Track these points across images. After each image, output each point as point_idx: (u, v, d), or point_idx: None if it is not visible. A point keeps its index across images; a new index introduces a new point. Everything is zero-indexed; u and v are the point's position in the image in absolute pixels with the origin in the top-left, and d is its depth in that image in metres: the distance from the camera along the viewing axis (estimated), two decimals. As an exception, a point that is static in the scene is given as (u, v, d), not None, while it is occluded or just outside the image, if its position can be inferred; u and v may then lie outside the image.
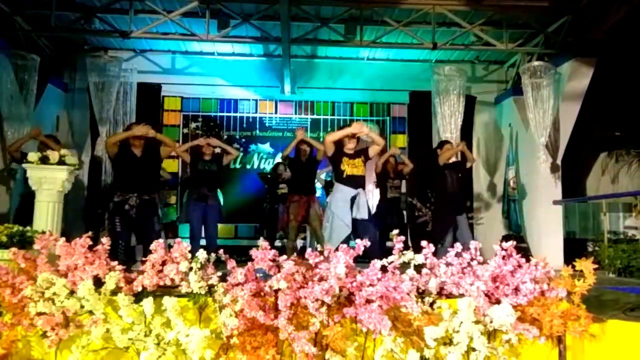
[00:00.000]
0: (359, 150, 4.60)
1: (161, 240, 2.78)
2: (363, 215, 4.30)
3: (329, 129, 8.24)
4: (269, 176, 7.28)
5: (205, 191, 5.59)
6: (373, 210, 4.56)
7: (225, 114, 8.18)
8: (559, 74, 6.85)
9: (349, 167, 4.45)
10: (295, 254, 2.90)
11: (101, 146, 6.99)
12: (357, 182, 4.43)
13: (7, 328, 2.54)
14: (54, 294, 2.54)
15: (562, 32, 6.72)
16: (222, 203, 5.92)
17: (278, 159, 8.03)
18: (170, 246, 2.75)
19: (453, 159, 5.75)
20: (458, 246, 2.90)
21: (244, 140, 8.18)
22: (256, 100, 8.23)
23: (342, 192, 4.40)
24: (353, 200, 4.34)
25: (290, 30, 6.42)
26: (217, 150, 5.91)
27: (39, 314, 2.49)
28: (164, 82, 7.98)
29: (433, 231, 5.88)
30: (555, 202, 7.03)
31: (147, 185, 4.79)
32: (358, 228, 4.32)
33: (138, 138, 4.69)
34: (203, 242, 5.63)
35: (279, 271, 2.65)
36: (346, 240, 4.11)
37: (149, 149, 4.84)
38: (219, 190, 5.92)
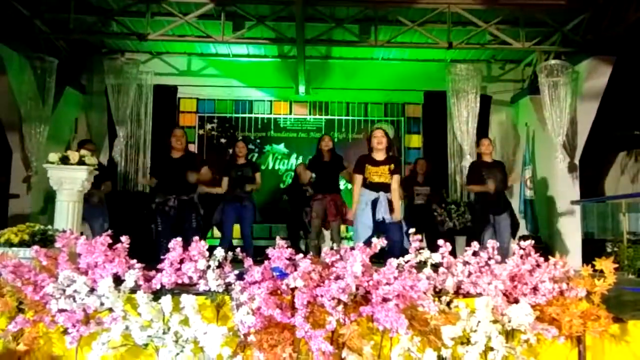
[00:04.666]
0: (388, 158, 4.61)
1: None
2: (386, 217, 4.32)
3: (344, 130, 8.26)
4: (290, 186, 7.27)
5: (239, 192, 5.67)
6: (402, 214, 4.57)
7: (240, 115, 8.25)
8: (577, 72, 6.77)
9: (371, 175, 4.52)
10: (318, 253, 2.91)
11: (119, 147, 7.09)
12: (378, 188, 4.48)
13: (29, 325, 2.58)
14: (75, 291, 2.57)
15: (580, 30, 6.64)
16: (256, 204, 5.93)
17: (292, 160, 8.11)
18: None
19: (488, 159, 5.62)
20: (475, 245, 2.88)
21: (258, 141, 8.23)
22: (271, 101, 8.27)
23: (364, 196, 4.50)
24: (375, 202, 4.39)
25: (305, 30, 6.43)
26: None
27: (61, 310, 2.53)
28: (179, 84, 8.06)
29: (473, 230, 5.88)
30: (573, 202, 6.94)
31: (185, 186, 5.04)
32: (381, 229, 4.40)
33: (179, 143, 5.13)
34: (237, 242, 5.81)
35: (295, 270, 2.66)
36: (368, 242, 4.13)
37: (188, 153, 5.26)
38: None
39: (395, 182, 4.57)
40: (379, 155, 4.59)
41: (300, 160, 7.99)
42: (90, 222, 5.58)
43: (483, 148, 5.61)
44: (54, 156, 3.82)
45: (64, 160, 3.80)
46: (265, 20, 6.65)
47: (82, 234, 5.03)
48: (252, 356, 2.53)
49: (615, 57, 6.55)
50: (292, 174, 8.03)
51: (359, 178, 4.58)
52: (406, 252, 2.85)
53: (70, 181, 3.82)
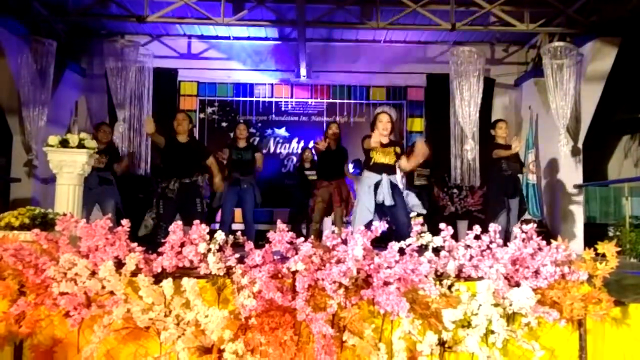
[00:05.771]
0: (392, 142, 4.61)
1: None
2: (387, 200, 4.31)
3: (346, 113, 8.20)
4: (297, 169, 7.28)
5: (238, 176, 5.66)
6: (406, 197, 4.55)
7: (241, 98, 8.17)
8: (581, 54, 6.68)
9: (378, 155, 4.50)
10: (318, 236, 2.91)
11: (119, 131, 7.06)
12: (382, 168, 4.46)
13: (31, 308, 2.59)
14: (76, 274, 2.58)
15: (585, 11, 6.52)
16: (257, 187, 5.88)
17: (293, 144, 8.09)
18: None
19: (503, 142, 5.58)
20: (477, 228, 2.87)
21: (260, 124, 8.18)
22: (272, 85, 8.21)
23: (367, 179, 4.49)
24: (377, 186, 4.38)
25: (306, 12, 6.34)
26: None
27: (62, 294, 2.54)
28: (180, 67, 7.99)
29: (485, 213, 5.84)
30: (576, 186, 6.92)
31: (187, 169, 4.98)
32: (385, 212, 4.40)
33: (180, 127, 5.02)
34: (241, 226, 5.78)
35: (296, 253, 2.65)
36: (368, 226, 4.12)
37: (193, 138, 5.19)
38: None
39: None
40: (384, 139, 4.58)
41: (302, 144, 7.96)
42: (102, 203, 5.60)
43: (500, 132, 5.56)
44: (53, 139, 3.81)
45: (64, 144, 3.78)
46: (265, 1, 6.55)
47: (87, 217, 5.11)
48: (253, 339, 2.55)
49: (621, 39, 6.45)
50: (294, 158, 8.01)
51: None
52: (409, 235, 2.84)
53: (70, 164, 3.81)
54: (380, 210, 4.40)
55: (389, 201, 4.30)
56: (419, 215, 3.74)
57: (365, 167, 4.64)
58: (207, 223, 2.88)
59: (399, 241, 2.72)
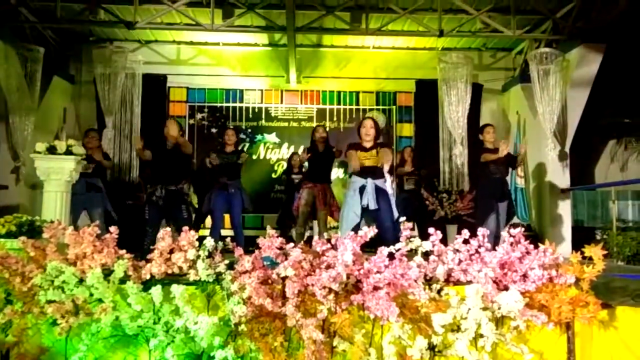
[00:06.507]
0: (376, 145, 4.61)
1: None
2: (371, 204, 4.32)
3: (335, 119, 8.23)
4: (285, 173, 7.29)
5: (225, 180, 5.66)
6: (393, 200, 4.55)
7: (231, 104, 8.17)
8: (567, 60, 6.77)
9: (361, 160, 4.51)
10: (302, 240, 2.90)
11: (108, 137, 7.02)
12: (367, 172, 4.47)
13: (18, 316, 2.57)
14: (64, 282, 2.55)
15: (570, 17, 6.62)
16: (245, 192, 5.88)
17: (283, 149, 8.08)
18: None
19: (491, 147, 5.61)
20: (466, 232, 2.88)
21: (249, 130, 8.17)
22: (262, 91, 8.21)
23: (353, 183, 4.50)
24: (362, 189, 4.38)
25: (296, 18, 6.37)
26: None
27: (49, 302, 2.51)
28: (169, 73, 7.96)
29: (475, 217, 5.84)
30: (564, 190, 6.99)
31: (173, 176, 5.00)
32: (370, 216, 4.41)
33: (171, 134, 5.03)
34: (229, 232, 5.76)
35: (286, 259, 2.65)
36: (355, 229, 4.13)
37: (178, 143, 5.16)
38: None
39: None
40: (368, 144, 4.61)
41: (292, 150, 7.97)
42: (89, 210, 5.57)
43: (488, 136, 5.60)
44: (40, 146, 3.78)
45: (51, 150, 3.75)
46: (255, 7, 6.57)
47: (74, 223, 5.07)
48: (243, 345, 2.54)
49: (606, 45, 6.55)
50: (284, 163, 8.01)
51: (354, 153, 4.54)
52: (398, 238, 2.84)
53: (57, 171, 3.78)
54: (367, 214, 4.41)
55: (373, 205, 4.31)
56: (408, 220, 3.73)
57: (352, 172, 4.67)
58: (194, 229, 2.87)
59: (387, 246, 2.72)
